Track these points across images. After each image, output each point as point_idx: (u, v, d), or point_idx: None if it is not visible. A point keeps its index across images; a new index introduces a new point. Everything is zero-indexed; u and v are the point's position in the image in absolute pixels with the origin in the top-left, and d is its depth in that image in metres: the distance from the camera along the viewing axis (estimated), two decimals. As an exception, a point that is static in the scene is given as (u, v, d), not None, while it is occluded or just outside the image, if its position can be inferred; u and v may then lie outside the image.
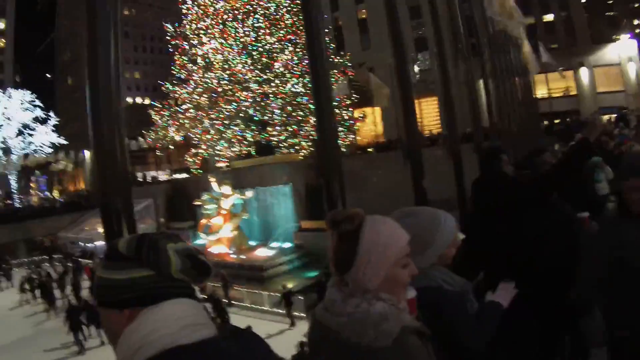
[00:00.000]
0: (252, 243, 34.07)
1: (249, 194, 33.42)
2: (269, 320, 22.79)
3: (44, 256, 48.09)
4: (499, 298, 3.09)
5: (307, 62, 39.64)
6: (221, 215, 33.80)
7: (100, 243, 45.21)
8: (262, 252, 31.64)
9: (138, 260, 1.65)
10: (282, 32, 41.89)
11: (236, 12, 41.26)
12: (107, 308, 1.70)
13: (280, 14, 42.28)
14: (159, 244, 1.67)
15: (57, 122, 64.32)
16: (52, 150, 65.02)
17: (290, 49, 41.88)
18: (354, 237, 2.11)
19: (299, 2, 41.18)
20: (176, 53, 44.81)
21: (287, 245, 31.96)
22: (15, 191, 65.89)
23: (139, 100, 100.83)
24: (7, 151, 62.92)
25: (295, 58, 41.67)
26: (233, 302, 25.61)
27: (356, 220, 2.13)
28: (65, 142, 64.73)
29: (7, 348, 23.03)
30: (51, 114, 63.89)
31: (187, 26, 43.77)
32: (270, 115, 40.96)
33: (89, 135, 4.61)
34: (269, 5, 41.81)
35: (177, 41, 44.61)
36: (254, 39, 40.74)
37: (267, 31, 41.20)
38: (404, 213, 2.86)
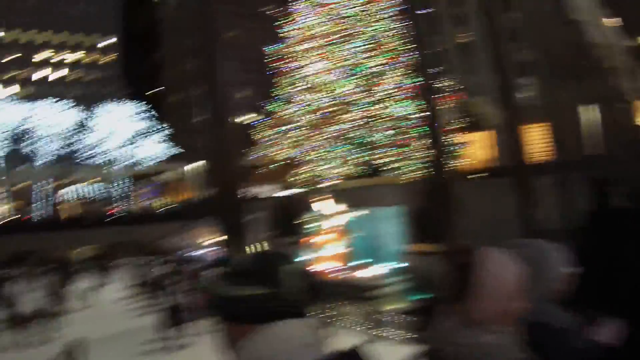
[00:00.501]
0: (357, 262, 34.20)
1: (356, 214, 33.59)
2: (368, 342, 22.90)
3: (145, 259, 51.22)
4: (609, 338, 2.99)
5: (411, 85, 40.64)
6: (326, 233, 34.61)
7: (202, 251, 47.96)
8: (367, 272, 30.63)
9: (257, 278, 1.78)
10: (385, 55, 42.75)
11: (338, 35, 42.60)
12: (222, 322, 1.85)
13: (382, 37, 43.13)
14: (277, 264, 1.80)
15: (165, 135, 67.80)
16: (160, 161, 68.48)
17: (394, 72, 42.58)
18: (471, 269, 2.21)
19: (401, 25, 42.19)
20: (280, 74, 46.46)
21: (393, 266, 30.75)
22: (122, 197, 69.76)
23: (244, 119, 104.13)
24: (116, 160, 67.15)
25: (400, 81, 42.37)
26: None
27: (472, 253, 2.23)
28: (172, 154, 68.06)
29: (106, 341, 25.53)
30: (159, 126, 67.42)
31: (290, 48, 45.18)
32: (375, 137, 41.61)
33: (201, 148, 4.70)
34: (371, 29, 42.58)
35: (280, 63, 46.27)
36: (357, 62, 41.94)
37: (370, 54, 42.04)
38: (513, 244, 2.91)
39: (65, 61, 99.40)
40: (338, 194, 36.98)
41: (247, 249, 47.27)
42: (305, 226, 35.21)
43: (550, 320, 2.83)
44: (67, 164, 72.96)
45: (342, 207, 34.31)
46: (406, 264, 30.73)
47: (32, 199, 69.71)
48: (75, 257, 58.35)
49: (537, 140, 50.92)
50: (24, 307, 30.48)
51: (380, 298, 28.01)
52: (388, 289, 29.18)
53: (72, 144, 68.72)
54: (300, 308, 1.84)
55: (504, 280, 2.23)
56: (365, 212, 34.37)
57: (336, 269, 32.73)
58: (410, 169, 42.04)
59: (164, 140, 68.87)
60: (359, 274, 31.18)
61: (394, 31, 42.40)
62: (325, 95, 42.11)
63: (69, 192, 76.08)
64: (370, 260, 33.51)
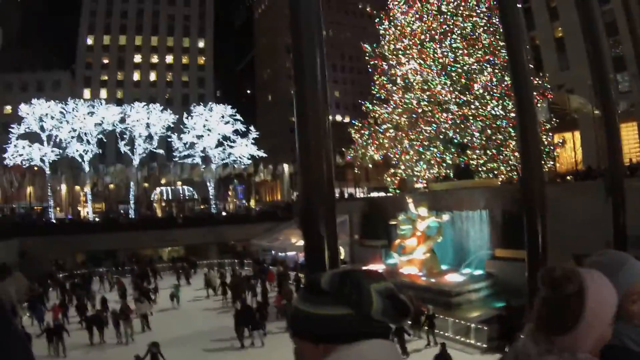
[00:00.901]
0: (444, 267, 34.43)
1: (445, 217, 33.94)
2: (450, 348, 21.73)
3: (234, 260, 53.89)
4: None
5: (506, 83, 40.26)
6: (415, 237, 34.61)
7: (292, 253, 48.85)
8: (453, 278, 31.87)
9: (339, 298, 1.73)
10: (480, 52, 42.42)
11: (433, 32, 42.49)
12: (302, 339, 1.82)
13: (477, 34, 42.96)
14: (362, 283, 1.75)
15: (256, 136, 69.49)
16: (251, 162, 70.13)
17: (489, 70, 42.26)
18: (578, 300, 2.09)
19: (495, 21, 41.72)
20: (375, 73, 46.73)
21: (479, 272, 32.04)
22: (212, 197, 71.87)
23: (338, 118, 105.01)
24: (207, 160, 69.24)
25: (494, 79, 42.03)
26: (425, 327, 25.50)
27: (576, 280, 2.11)
28: (263, 155, 69.68)
29: (184, 338, 27.29)
30: (251, 127, 69.23)
31: (386, 47, 45.34)
32: (469, 138, 41.19)
33: (296, 149, 4.74)
34: (466, 25, 42.63)
35: (375, 61, 46.53)
36: (452, 60, 41.80)
37: (465, 52, 41.99)
38: (593, 261, 2.72)
39: (160, 63, 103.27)
40: (430, 196, 37.12)
41: (342, 250, 48.16)
42: (398, 228, 35.54)
43: (627, 342, 2.64)
44: (161, 163, 75.93)
45: (433, 209, 34.49)
46: (491, 270, 30.66)
47: (126, 198, 72.52)
48: (167, 255, 60.53)
49: (631, 140, 49.25)
50: (109, 304, 32.69)
51: (464, 305, 28.17)
52: (473, 296, 29.27)
53: (166, 144, 71.37)
54: (382, 329, 1.80)
55: (609, 308, 2.16)
56: (453, 215, 34.32)
57: (423, 273, 33.07)
58: (504, 170, 41.68)
59: (257, 141, 70.39)
60: (445, 279, 31.38)
61: (490, 27, 42.29)
62: (420, 94, 42.21)
63: (162, 192, 78.70)
64: (456, 265, 33.58)
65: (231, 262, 53.40)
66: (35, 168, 66.53)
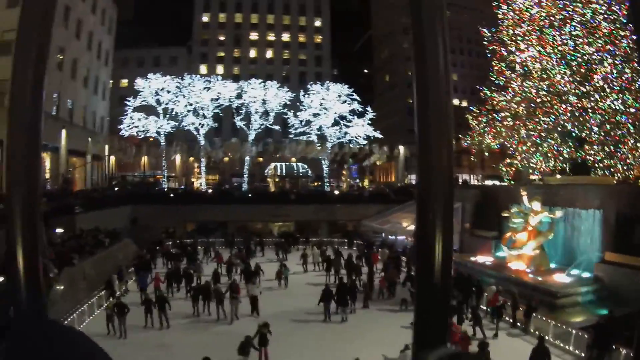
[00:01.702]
0: (552, 266, 34.20)
1: (558, 213, 33.84)
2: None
3: (343, 239, 55.08)
4: None
5: (627, 76, 38.93)
6: (527, 231, 34.80)
7: (401, 237, 49.33)
8: (560, 278, 31.38)
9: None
10: (600, 41, 41.16)
11: (552, 18, 41.76)
12: None
13: (597, 21, 41.63)
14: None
15: (373, 116, 69.95)
16: (366, 142, 70.75)
17: (609, 60, 40.93)
18: None
19: (615, 9, 40.20)
20: (494, 59, 46.23)
21: (587, 275, 31.49)
22: (326, 176, 73.19)
23: (455, 102, 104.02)
24: (322, 138, 70.35)
25: (615, 71, 40.73)
26: (518, 323, 26.17)
27: None
28: (379, 136, 70.15)
29: (280, 314, 28.49)
30: (368, 108, 69.87)
31: (504, 32, 44.73)
32: (587, 132, 40.30)
33: (415, 132, 4.78)
34: (585, 12, 41.43)
35: (494, 46, 45.99)
36: (572, 48, 40.98)
37: (585, 40, 40.97)
38: None
39: (276, 41, 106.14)
40: (544, 190, 36.61)
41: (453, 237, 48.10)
42: (510, 221, 35.35)
43: None
44: (277, 139, 77.80)
45: (546, 204, 34.10)
46: (599, 274, 29.89)
47: (240, 172, 74.87)
48: (277, 230, 62.19)
49: None
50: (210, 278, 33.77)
51: (568, 308, 27.74)
52: (578, 299, 28.73)
53: (282, 120, 73.06)
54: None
55: None
56: (566, 211, 33.77)
57: (530, 270, 32.78)
58: (620, 169, 40.32)
59: (374, 122, 70.83)
60: (552, 278, 30.93)
61: (610, 15, 40.81)
62: (539, 83, 41.49)
63: (276, 167, 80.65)
64: (564, 264, 32.96)
65: (340, 241, 54.67)
66: (151, 139, 69.91)
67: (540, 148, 42.21)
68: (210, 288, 30.17)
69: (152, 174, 78.63)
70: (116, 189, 64.68)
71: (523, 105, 43.09)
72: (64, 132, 55.18)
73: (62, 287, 28.58)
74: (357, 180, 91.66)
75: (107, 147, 70.05)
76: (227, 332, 26.43)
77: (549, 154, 42.05)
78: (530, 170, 43.65)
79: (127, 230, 51.37)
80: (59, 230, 36.18)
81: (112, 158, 74.18)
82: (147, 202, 57.94)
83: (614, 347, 20.14)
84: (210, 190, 70.45)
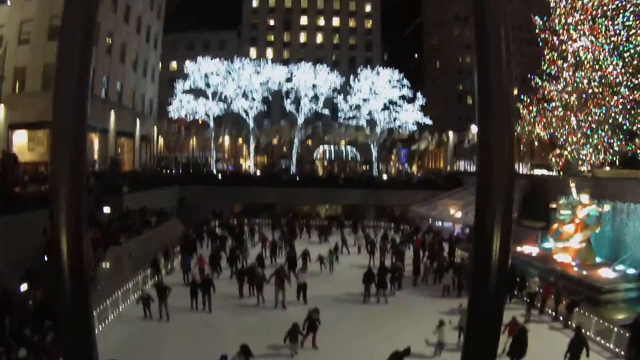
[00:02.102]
0: (598, 260, 33.73)
1: (607, 207, 33.27)
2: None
3: (391, 223, 55.90)
4: None
5: None
6: (574, 224, 34.45)
7: (448, 224, 49.42)
8: (605, 273, 30.94)
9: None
10: None
11: (605, 8, 40.65)
12: None
13: None
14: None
15: (423, 102, 69.70)
16: (416, 128, 70.74)
17: None
18: None
19: None
20: (545, 47, 45.57)
21: (632, 271, 30.86)
22: (375, 160, 73.50)
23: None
24: (372, 123, 70.51)
25: None
26: (561, 317, 25.87)
27: None
28: (429, 122, 69.94)
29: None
30: (418, 94, 69.56)
31: (556, 20, 44.00)
32: (639, 126, 39.51)
33: (476, 119, 4.63)
34: (638, 2, 39.87)
35: (545, 35, 45.32)
36: (624, 39, 39.88)
37: (639, 31, 39.65)
38: None
39: (326, 25, 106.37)
40: (593, 182, 36.20)
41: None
42: (558, 212, 35.11)
43: None
44: (326, 123, 78.10)
45: (595, 197, 33.79)
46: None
47: (288, 155, 75.51)
48: (324, 213, 62.73)
49: None
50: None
51: (612, 304, 27.50)
52: (622, 296, 28.43)
53: (332, 104, 73.22)
54: None
55: None
56: (613, 206, 33.42)
57: (576, 263, 32.58)
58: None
59: (423, 108, 70.65)
60: (598, 273, 30.67)
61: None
62: (591, 74, 40.88)
63: (325, 151, 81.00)
64: (610, 260, 32.61)
65: (387, 225, 55.21)
66: (200, 121, 70.63)
67: (590, 140, 41.52)
68: (254, 271, 30.11)
69: (200, 156, 79.61)
70: (164, 170, 65.81)
71: (574, 95, 42.45)
72: (112, 114, 56.43)
73: (108, 266, 29.35)
74: (406, 166, 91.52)
75: (155, 128, 71.35)
76: (271, 316, 26.69)
77: (599, 146, 41.33)
78: (580, 162, 43.05)
79: (175, 210, 52.35)
80: (107, 210, 36.96)
81: (161, 139, 75.37)
82: (195, 183, 59.13)
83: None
84: (258, 173, 71.22)
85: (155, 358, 21.42)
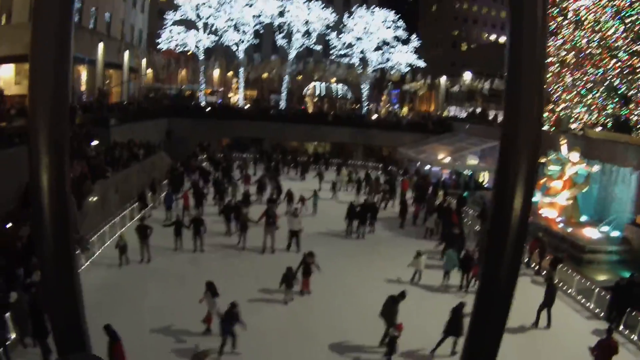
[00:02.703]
0: (583, 218, 34.35)
1: (596, 167, 33.70)
2: (568, 307, 23.38)
3: (378, 163, 56.69)
4: None
5: None
6: (562, 180, 34.99)
7: (436, 168, 49.90)
8: (589, 233, 31.53)
9: None
10: None
11: None
12: None
13: None
14: None
15: (416, 45, 69.20)
16: (409, 69, 70.38)
17: None
18: None
19: None
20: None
21: (616, 234, 31.44)
22: (365, 99, 73.20)
23: (501, 39, 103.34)
24: (364, 63, 70.11)
25: None
26: (543, 272, 26.41)
27: None
28: (422, 65, 69.51)
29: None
30: (412, 37, 68.82)
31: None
32: (635, 92, 39.57)
33: (505, 73, 4.63)
34: None
35: (549, -10, 44.94)
36: (628, 4, 39.49)
37: None
38: None
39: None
40: (584, 142, 36.47)
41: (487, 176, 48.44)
42: (546, 167, 35.43)
43: None
44: (317, 60, 77.52)
45: (584, 157, 34.10)
46: (629, 236, 30.06)
47: (278, 89, 75.08)
48: (312, 150, 63.00)
49: None
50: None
51: (594, 264, 28.13)
52: (604, 257, 29.07)
53: (324, 41, 72.46)
54: None
55: None
56: (602, 167, 33.76)
57: (561, 220, 33.10)
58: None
59: (417, 50, 70.15)
60: (582, 232, 31.19)
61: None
62: (590, 35, 40.73)
63: (315, 87, 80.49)
64: (595, 220, 33.17)
65: (373, 165, 55.98)
66: (189, 53, 69.74)
67: (584, 100, 41.64)
68: (240, 209, 30.10)
69: (189, 88, 78.77)
70: (152, 102, 65.29)
71: (572, 53, 42.36)
72: (101, 45, 55.31)
73: (95, 199, 29.41)
74: (397, 106, 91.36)
75: (144, 60, 70.47)
76: (260, 260, 26.97)
77: (592, 107, 41.50)
78: (572, 120, 43.21)
79: (162, 143, 52.22)
80: (94, 143, 36.80)
81: (149, 71, 74.35)
82: (183, 116, 58.68)
83: (632, 311, 20.51)
84: (247, 107, 70.72)
85: (139, 300, 21.40)
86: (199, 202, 34.54)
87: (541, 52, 4.22)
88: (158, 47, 68.03)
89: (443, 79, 72.23)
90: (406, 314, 18.57)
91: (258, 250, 28.22)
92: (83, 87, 52.60)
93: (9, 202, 25.28)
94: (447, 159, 48.55)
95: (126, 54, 63.46)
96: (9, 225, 23.26)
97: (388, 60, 70.41)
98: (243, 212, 29.29)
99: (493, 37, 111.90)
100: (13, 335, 17.14)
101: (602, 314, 22.22)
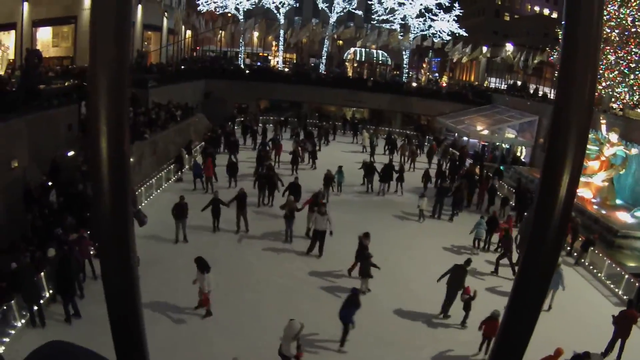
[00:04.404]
0: (618, 202, 34.20)
1: (634, 150, 33.28)
2: (595, 290, 23.52)
3: (416, 132, 56.75)
4: None
5: None
6: (599, 161, 34.81)
7: (474, 140, 49.69)
8: (623, 216, 31.37)
9: None
10: None
11: None
12: None
13: None
14: None
15: (459, 13, 68.60)
16: (450, 38, 69.72)
17: None
18: None
19: None
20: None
21: None
22: (406, 66, 73.09)
23: (546, 11, 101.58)
24: (406, 28, 69.55)
25: None
26: (575, 253, 26.61)
27: None
28: (464, 34, 68.82)
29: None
30: (455, 4, 68.16)
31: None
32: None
33: (561, 47, 4.74)
34: None
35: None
36: None
37: None
38: None
39: None
40: (624, 122, 36.03)
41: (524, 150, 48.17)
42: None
43: None
44: (358, 25, 77.08)
45: (623, 138, 33.76)
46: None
47: (318, 53, 74.90)
48: (350, 115, 63.12)
49: None
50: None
51: (625, 250, 28.02)
52: (637, 244, 28.87)
53: (365, 5, 72.07)
54: None
55: None
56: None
57: (596, 201, 32.95)
58: None
59: (460, 19, 69.46)
60: (616, 215, 31.02)
61: None
62: (636, 13, 39.98)
63: (355, 52, 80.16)
64: (630, 204, 32.88)
65: (411, 133, 55.81)
66: (229, 15, 69.68)
67: (626, 79, 41.00)
68: (272, 179, 29.88)
69: (228, 50, 78.97)
70: (191, 63, 65.56)
71: (616, 31, 41.62)
72: (140, 7, 55.65)
73: (132, 160, 29.89)
74: (437, 75, 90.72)
75: (183, 22, 70.74)
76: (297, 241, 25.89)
77: (634, 87, 40.85)
78: (613, 100, 42.64)
79: (200, 105, 52.64)
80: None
81: (189, 33, 74.41)
82: (221, 78, 58.91)
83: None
84: (286, 70, 70.74)
85: (174, 273, 20.94)
86: (232, 174, 33.77)
87: (597, 29, 4.37)
88: (198, 8, 68.19)
89: (484, 49, 71.41)
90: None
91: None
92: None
93: (48, 160, 25.83)
94: (486, 132, 48.31)
95: (165, 16, 63.66)
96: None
97: (430, 27, 69.78)
98: (289, 201, 26.23)
99: (537, 8, 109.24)
100: (47, 294, 17.79)
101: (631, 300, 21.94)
